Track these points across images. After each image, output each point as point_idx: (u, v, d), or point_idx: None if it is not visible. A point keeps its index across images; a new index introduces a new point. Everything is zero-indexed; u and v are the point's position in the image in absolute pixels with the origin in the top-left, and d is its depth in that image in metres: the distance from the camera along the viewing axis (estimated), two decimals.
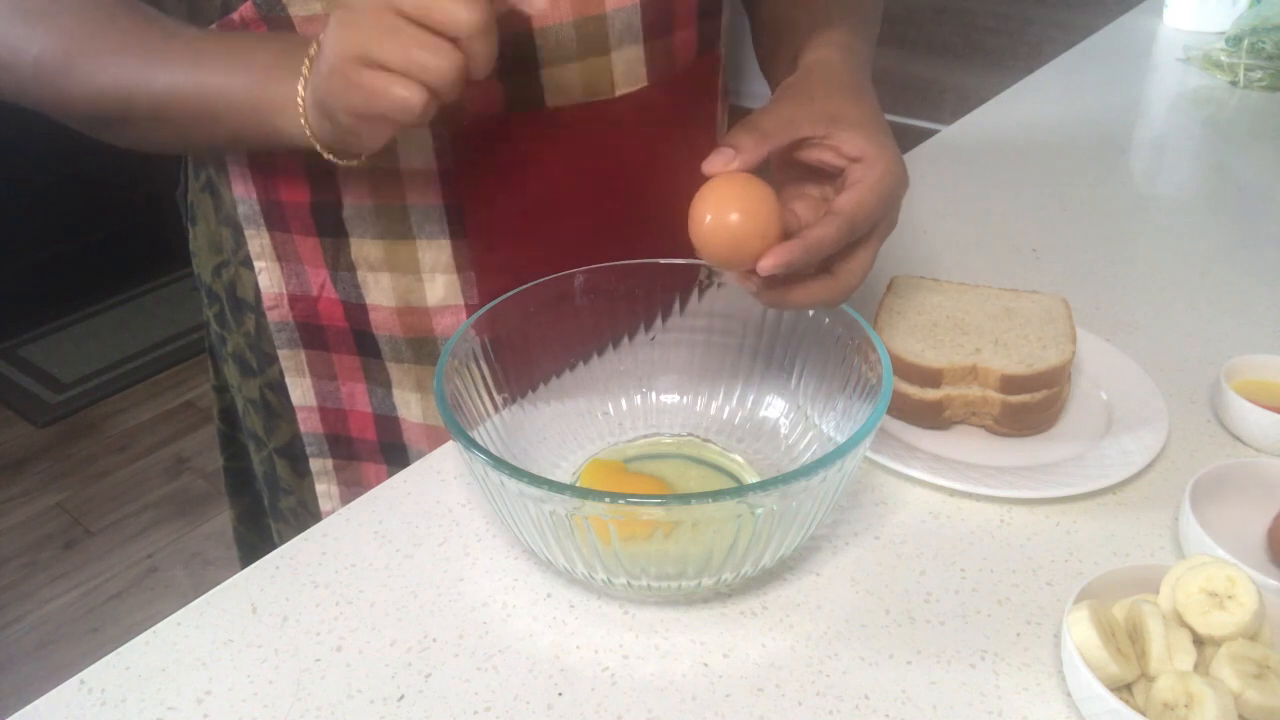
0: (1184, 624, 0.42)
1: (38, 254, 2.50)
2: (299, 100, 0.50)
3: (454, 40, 0.44)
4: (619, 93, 0.60)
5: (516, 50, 0.56)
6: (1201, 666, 0.41)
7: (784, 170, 0.54)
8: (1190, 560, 0.43)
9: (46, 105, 0.56)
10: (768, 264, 0.47)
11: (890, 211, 0.51)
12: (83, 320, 2.57)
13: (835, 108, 0.51)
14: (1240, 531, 0.50)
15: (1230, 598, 0.41)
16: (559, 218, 0.63)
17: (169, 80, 0.53)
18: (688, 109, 0.67)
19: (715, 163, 0.48)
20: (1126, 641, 0.41)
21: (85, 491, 2.03)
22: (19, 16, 0.54)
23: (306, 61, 0.50)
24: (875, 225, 0.50)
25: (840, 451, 0.43)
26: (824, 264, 0.50)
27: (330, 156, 0.52)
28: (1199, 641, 0.41)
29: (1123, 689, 0.41)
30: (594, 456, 0.58)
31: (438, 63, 0.44)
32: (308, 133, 0.51)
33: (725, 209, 0.47)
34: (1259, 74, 1.17)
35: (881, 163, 0.50)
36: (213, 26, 0.57)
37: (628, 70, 0.59)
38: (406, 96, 0.44)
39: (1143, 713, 0.39)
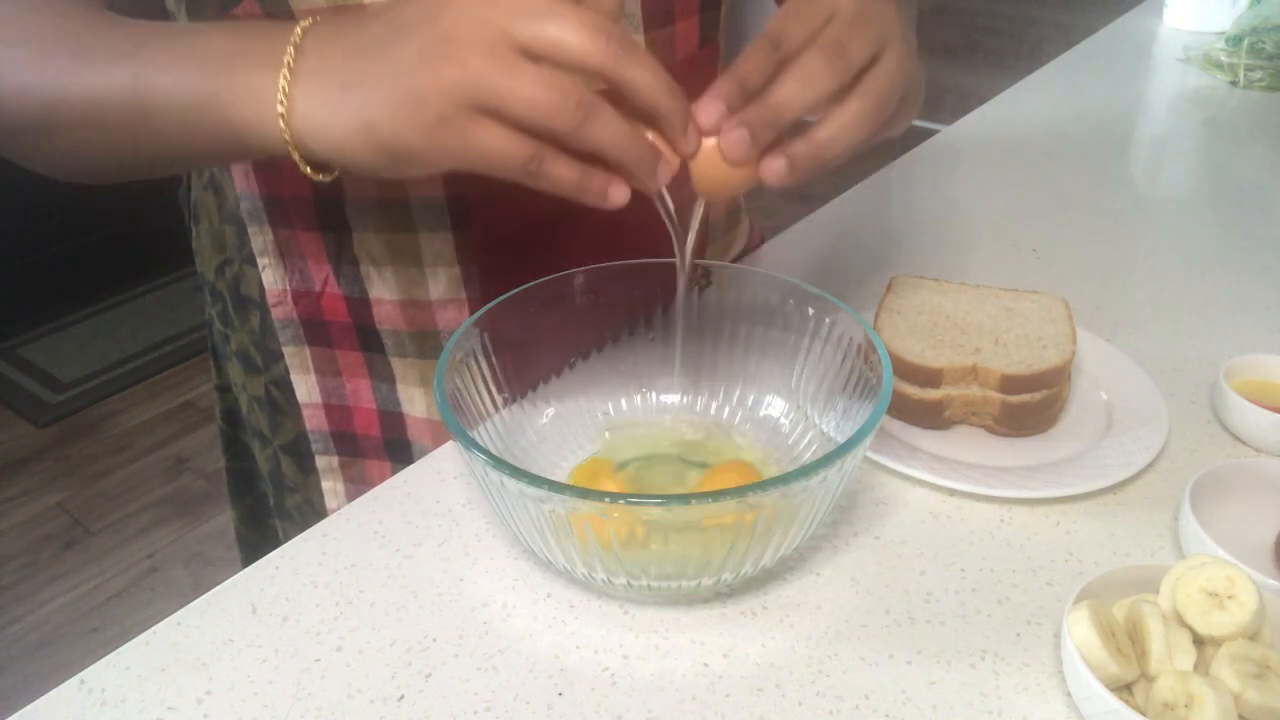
0: (1184, 624, 0.42)
1: (38, 254, 2.50)
2: (279, 95, 0.41)
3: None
4: None
5: None
6: (1201, 666, 0.41)
7: None
8: (1190, 560, 0.43)
9: None
10: (704, 114, 0.43)
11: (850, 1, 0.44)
12: (83, 320, 2.58)
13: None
14: (1240, 531, 0.50)
15: (1230, 598, 0.41)
16: (561, 209, 0.63)
17: (102, 76, 0.44)
18: (689, 100, 0.66)
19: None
20: (1126, 641, 0.41)
21: (85, 491, 2.03)
22: None
23: (291, 48, 0.41)
24: (825, 21, 0.43)
25: (840, 451, 0.43)
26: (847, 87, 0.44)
27: (307, 169, 0.44)
28: (1199, 641, 0.41)
29: (1123, 689, 0.41)
30: (592, 455, 0.58)
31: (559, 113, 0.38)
32: (286, 136, 0.42)
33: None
34: (1259, 74, 1.17)
35: None
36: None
37: None
38: (558, 176, 0.39)
39: (1143, 713, 0.39)
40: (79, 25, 0.47)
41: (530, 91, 0.38)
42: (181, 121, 0.44)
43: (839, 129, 0.43)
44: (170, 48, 0.45)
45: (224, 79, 0.43)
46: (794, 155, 0.43)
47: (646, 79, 0.40)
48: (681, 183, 0.47)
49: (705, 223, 0.74)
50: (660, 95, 0.41)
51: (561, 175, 0.41)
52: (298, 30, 0.42)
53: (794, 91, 0.42)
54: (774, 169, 0.43)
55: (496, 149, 0.39)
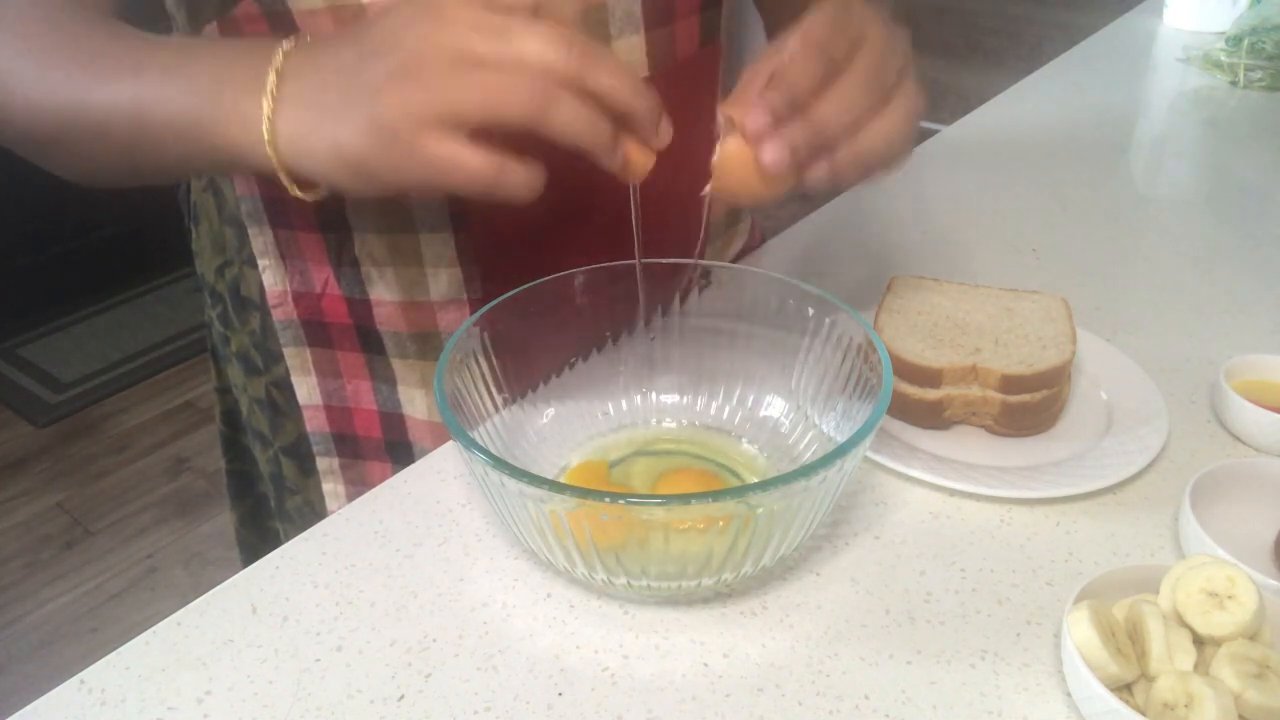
0: (1184, 624, 0.42)
1: (38, 254, 2.51)
2: (263, 119, 0.42)
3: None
4: None
5: None
6: (1201, 666, 0.41)
7: None
8: (1190, 560, 0.43)
9: None
10: (753, 120, 0.44)
11: (876, 27, 0.46)
12: (83, 320, 2.58)
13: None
14: (1240, 531, 0.50)
15: (1230, 598, 0.41)
16: (561, 209, 0.63)
17: (108, 94, 0.46)
18: (689, 100, 0.67)
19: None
20: (1126, 641, 0.41)
21: (85, 491, 2.03)
22: None
23: (273, 74, 0.43)
24: (857, 43, 0.45)
25: (840, 451, 0.43)
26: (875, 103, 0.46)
27: (296, 190, 0.46)
28: (1199, 641, 0.41)
29: (1123, 689, 0.41)
30: (587, 458, 0.58)
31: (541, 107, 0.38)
32: (273, 159, 0.43)
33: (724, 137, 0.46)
34: (1259, 74, 1.17)
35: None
36: (212, 25, 0.57)
37: (629, 59, 0.59)
38: (516, 182, 0.40)
39: (1143, 713, 0.39)
40: (84, 34, 0.49)
41: (483, 92, 0.38)
42: (179, 142, 0.46)
43: (879, 138, 0.45)
44: (166, 69, 0.46)
45: (215, 104, 0.44)
46: (838, 162, 0.45)
47: (614, 83, 0.40)
48: (668, 178, 0.47)
49: (709, 224, 0.74)
50: (631, 97, 0.41)
51: (519, 185, 0.41)
52: (279, 55, 0.43)
53: (836, 114, 0.44)
54: (819, 171, 0.45)
55: (453, 162, 0.39)
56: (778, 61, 0.45)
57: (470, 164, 0.39)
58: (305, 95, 0.42)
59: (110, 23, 0.50)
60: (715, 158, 0.47)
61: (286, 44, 0.44)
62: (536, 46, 0.38)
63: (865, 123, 0.45)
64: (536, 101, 0.39)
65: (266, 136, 0.43)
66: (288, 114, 0.42)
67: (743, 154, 0.46)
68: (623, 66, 0.41)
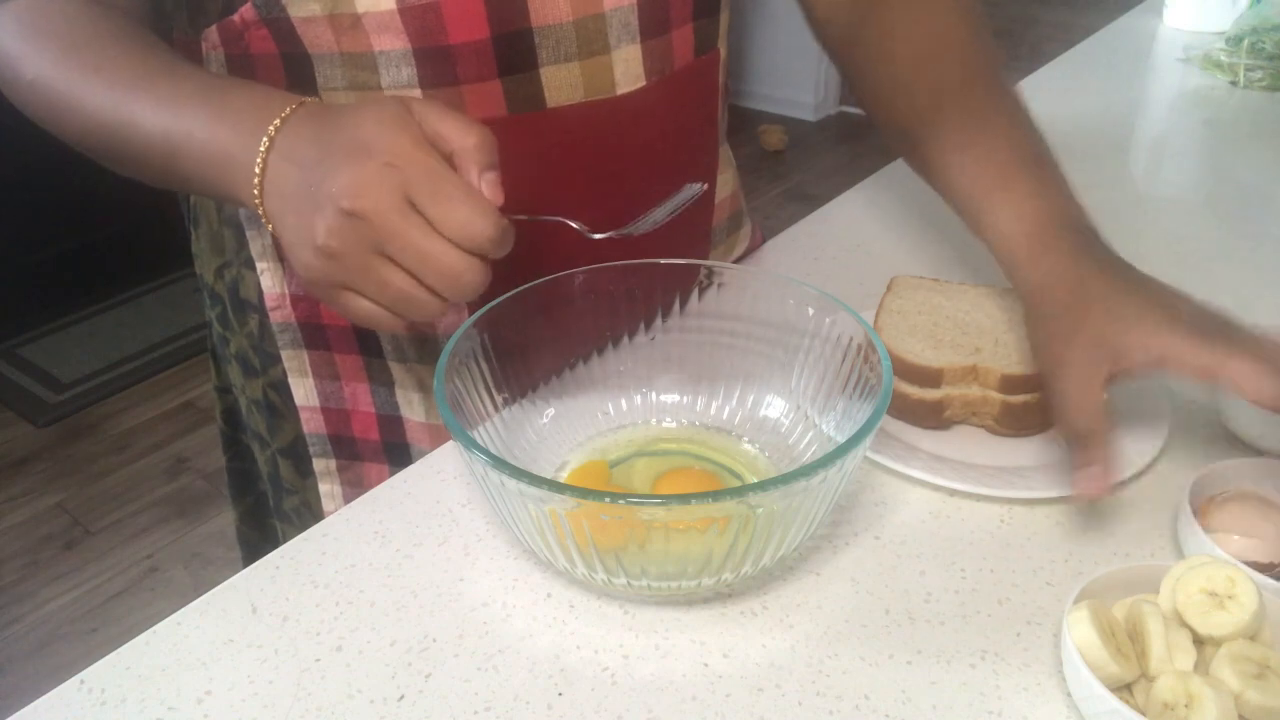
0: (1184, 624, 0.42)
1: (38, 254, 2.50)
2: (257, 160, 0.47)
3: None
4: (619, 92, 0.60)
5: (516, 51, 0.56)
6: (1201, 666, 0.41)
7: None
8: (1190, 560, 0.43)
9: (49, 127, 0.55)
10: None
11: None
12: (83, 320, 2.58)
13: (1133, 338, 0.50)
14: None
15: (1230, 598, 0.41)
16: (560, 212, 0.63)
17: (144, 117, 0.51)
18: (688, 108, 0.67)
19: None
20: (1126, 641, 0.41)
21: (85, 491, 2.03)
22: (22, 34, 0.53)
23: (277, 121, 0.47)
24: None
25: (840, 451, 0.43)
26: None
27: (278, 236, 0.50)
28: (1199, 641, 0.41)
29: (1123, 689, 0.41)
30: (587, 458, 0.58)
31: (452, 284, 0.46)
32: (259, 206, 0.48)
33: None
34: (1259, 74, 1.17)
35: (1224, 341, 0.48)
36: (213, 28, 0.57)
37: (627, 69, 0.60)
38: (427, 306, 0.47)
39: (1143, 713, 0.39)
40: (124, 58, 0.53)
41: (388, 298, 0.46)
42: (197, 172, 0.51)
43: None
44: (193, 102, 0.50)
45: (225, 174, 0.49)
46: None
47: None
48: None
49: (713, 228, 0.74)
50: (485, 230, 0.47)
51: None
52: (290, 107, 0.48)
53: None
54: None
55: (362, 316, 0.47)
56: None
57: (374, 318, 0.47)
58: (282, 200, 0.47)
59: (133, 39, 0.54)
60: None
61: (278, 121, 0.47)
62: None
63: None
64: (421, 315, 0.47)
65: (258, 178, 0.47)
66: (272, 200, 0.47)
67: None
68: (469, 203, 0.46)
